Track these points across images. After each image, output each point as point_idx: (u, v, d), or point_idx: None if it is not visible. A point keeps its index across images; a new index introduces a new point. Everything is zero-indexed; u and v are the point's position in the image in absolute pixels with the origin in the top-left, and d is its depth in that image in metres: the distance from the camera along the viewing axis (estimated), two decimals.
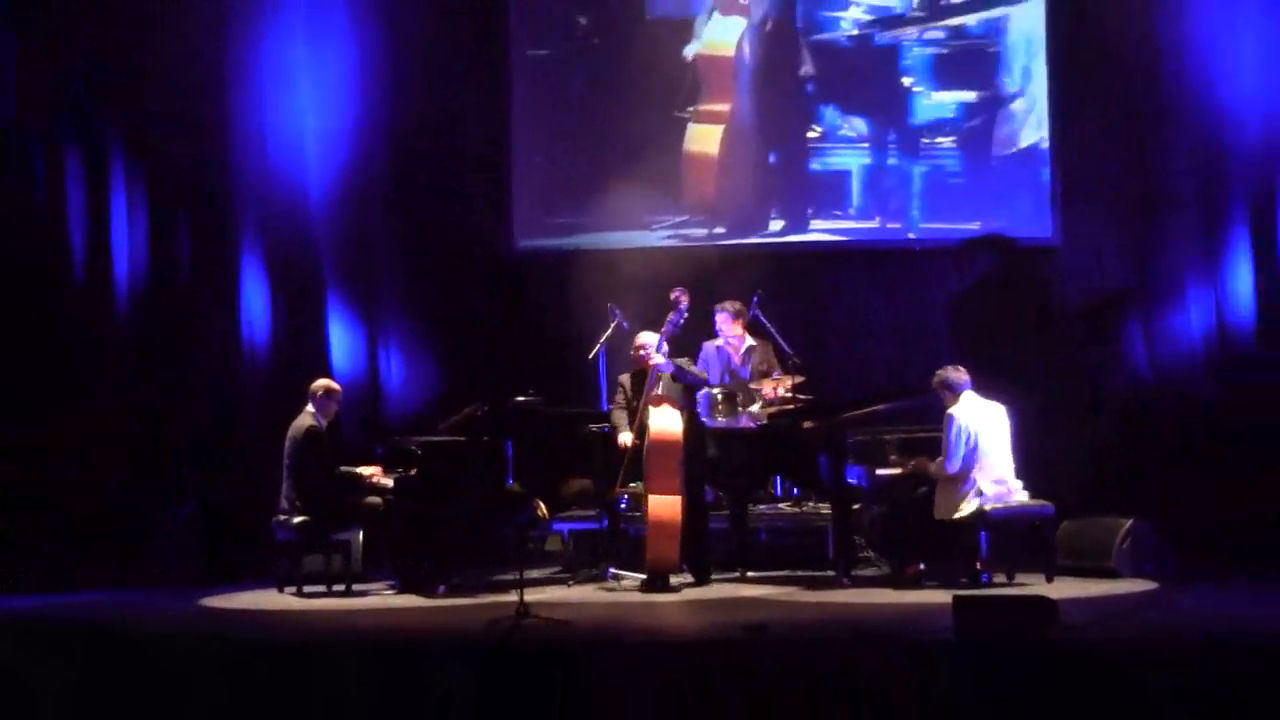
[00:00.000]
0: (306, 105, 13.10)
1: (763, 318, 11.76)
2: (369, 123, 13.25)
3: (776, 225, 13.25)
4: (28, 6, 12.18)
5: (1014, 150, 12.97)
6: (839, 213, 13.20)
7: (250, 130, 12.82)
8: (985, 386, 10.14)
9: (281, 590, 10.56)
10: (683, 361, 10.71)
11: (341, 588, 10.53)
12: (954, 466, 9.94)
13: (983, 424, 9.98)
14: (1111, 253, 12.71)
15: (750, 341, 11.75)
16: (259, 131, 12.86)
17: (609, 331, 11.71)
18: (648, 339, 10.65)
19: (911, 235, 13.09)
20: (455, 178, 13.29)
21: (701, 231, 13.31)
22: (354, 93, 13.23)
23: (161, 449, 12.26)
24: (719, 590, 10.30)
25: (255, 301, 12.76)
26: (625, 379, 10.90)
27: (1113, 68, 12.67)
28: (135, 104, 12.44)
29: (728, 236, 13.26)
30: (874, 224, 13.16)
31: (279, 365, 12.70)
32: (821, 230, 13.19)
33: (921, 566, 10.17)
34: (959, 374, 10.11)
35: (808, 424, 10.60)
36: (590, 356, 11.77)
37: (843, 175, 13.20)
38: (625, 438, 10.50)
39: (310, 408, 10.67)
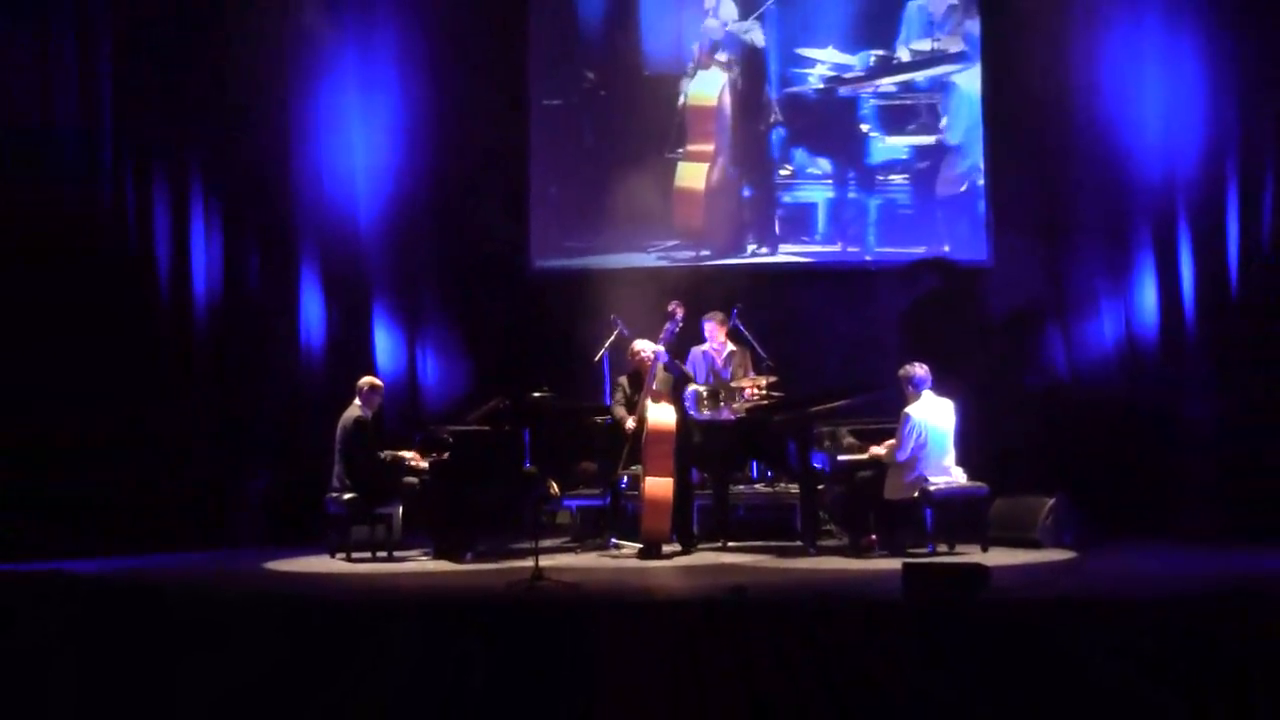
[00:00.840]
0: (357, 145, 13.07)
1: (741, 327, 11.72)
2: (410, 160, 13.22)
3: (753, 248, 13.22)
4: (123, 56, 12.13)
5: (958, 191, 12.94)
6: (806, 238, 13.16)
7: (309, 166, 12.79)
8: (934, 385, 10.10)
9: (333, 556, 10.58)
10: (677, 363, 10.72)
11: (384, 554, 10.54)
12: (904, 455, 9.92)
13: (934, 419, 9.96)
14: (1036, 273, 12.66)
15: (731, 347, 11.69)
16: (316, 167, 12.84)
17: (611, 338, 11.68)
18: (643, 346, 10.67)
19: (868, 258, 13.05)
20: (482, 207, 13.24)
21: (689, 253, 13.26)
22: (398, 135, 13.19)
23: (236, 437, 12.23)
24: (704, 558, 10.31)
25: (312, 311, 12.73)
26: (624, 380, 10.91)
27: (1035, 115, 12.59)
28: (213, 142, 12.41)
29: (711, 258, 13.23)
30: (836, 248, 13.11)
31: (332, 365, 12.66)
32: (791, 253, 13.16)
33: (874, 538, 10.15)
34: (922, 371, 10.07)
35: (779, 417, 10.59)
36: (595, 359, 11.75)
37: (810, 207, 13.17)
38: (630, 423, 10.56)
39: (358, 401, 10.66)
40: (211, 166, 12.41)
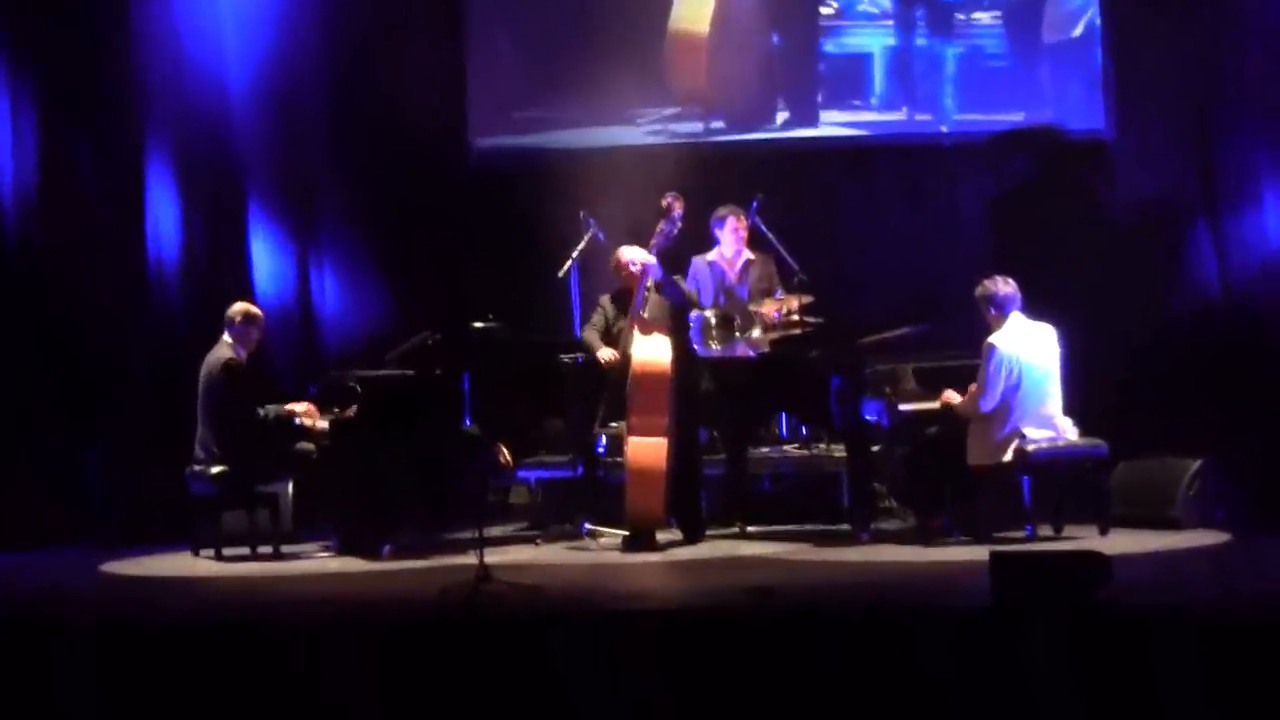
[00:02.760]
0: None
1: (764, 227, 11.69)
2: (297, 4, 13.16)
3: (782, 118, 13.20)
4: None
5: (1070, 35, 12.93)
6: (858, 103, 13.21)
7: (157, 15, 12.68)
8: (1027, 306, 10.08)
9: (197, 553, 10.57)
10: (676, 279, 10.67)
11: (268, 550, 10.51)
12: (990, 403, 9.89)
13: (1029, 353, 9.90)
14: (1174, 151, 12.68)
15: (749, 255, 11.68)
16: (167, 16, 12.72)
17: (582, 244, 11.67)
18: (633, 254, 10.60)
19: (944, 129, 13.06)
20: (400, 65, 13.17)
21: (695, 126, 13.30)
22: None
23: (61, 391, 12.18)
24: (714, 549, 10.31)
25: (163, 214, 12.67)
26: (606, 299, 10.89)
27: None
28: None
29: (726, 132, 13.25)
30: (900, 116, 13.15)
31: (191, 287, 12.64)
32: (836, 124, 13.14)
33: (949, 518, 10.15)
34: (1007, 288, 10.01)
35: (817, 351, 10.56)
36: (560, 274, 11.72)
37: (863, 59, 13.19)
38: (606, 353, 10.56)
39: (228, 337, 10.63)
40: (14, 20, 12.24)
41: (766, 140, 13.15)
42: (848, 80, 13.22)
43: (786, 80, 13.27)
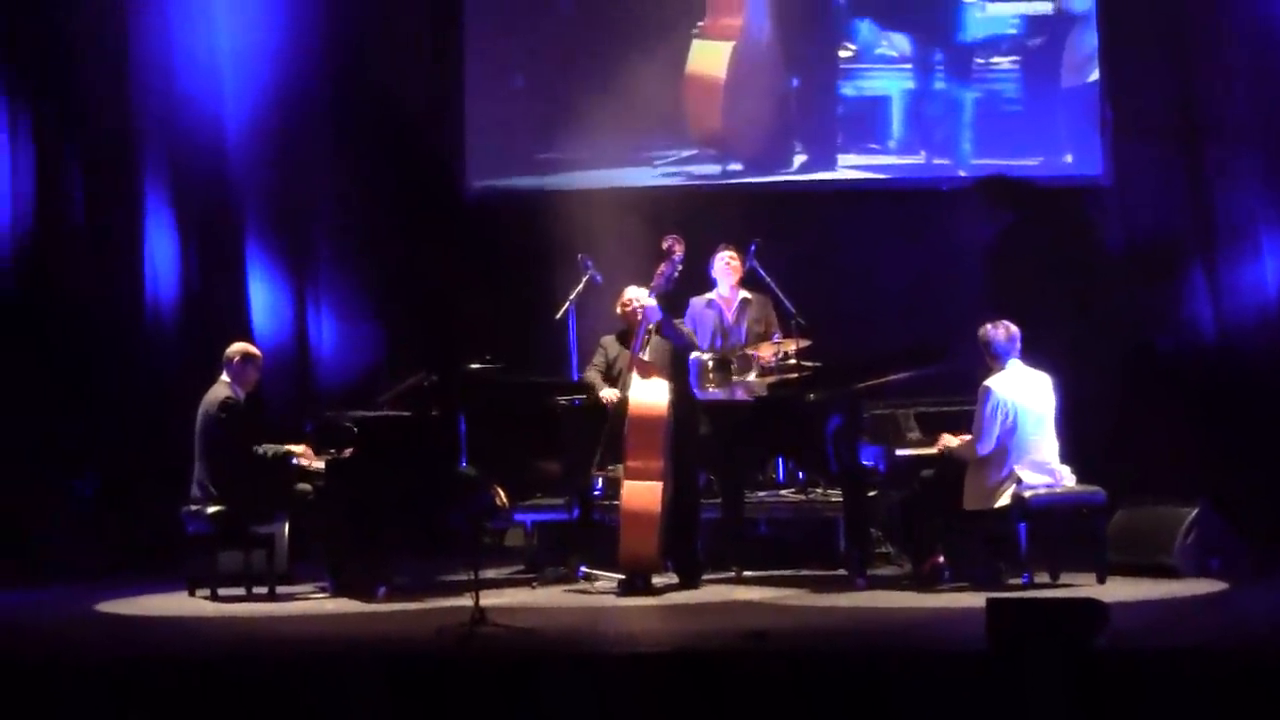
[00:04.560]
0: (221, 21, 13.04)
1: (760, 270, 11.70)
2: (296, 40, 13.21)
3: (800, 161, 13.26)
4: None
5: (1086, 80, 12.98)
6: (876, 146, 13.24)
7: (154, 51, 12.74)
8: (1026, 350, 10.07)
9: (193, 593, 10.53)
10: (675, 322, 10.65)
11: (263, 590, 10.48)
12: (986, 448, 9.88)
13: (1025, 398, 9.90)
14: (1171, 193, 12.73)
15: (745, 295, 11.69)
16: (164, 53, 12.78)
17: (580, 287, 11.67)
18: (636, 294, 10.57)
19: (963, 174, 13.10)
20: (400, 103, 13.22)
21: (713, 169, 13.34)
22: (278, 4, 13.14)
23: (54, 426, 12.18)
24: (710, 593, 10.29)
25: (161, 251, 12.73)
26: (610, 339, 10.82)
27: None
28: (16, 26, 12.32)
29: (744, 174, 13.29)
30: (917, 159, 13.19)
31: (189, 326, 12.69)
32: (854, 167, 13.21)
33: (945, 563, 10.13)
34: (1007, 334, 10.00)
35: (814, 395, 10.55)
36: (558, 316, 11.72)
37: (880, 102, 13.25)
38: (608, 393, 10.50)
39: (225, 376, 10.62)
40: (15, 55, 12.32)
41: (783, 184, 13.18)
42: (866, 123, 13.25)
43: (804, 123, 13.30)
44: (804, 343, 11.07)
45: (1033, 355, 10.13)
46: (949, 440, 10.15)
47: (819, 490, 11.46)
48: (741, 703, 6.99)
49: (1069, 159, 13.01)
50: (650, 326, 10.42)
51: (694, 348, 10.91)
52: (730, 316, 11.63)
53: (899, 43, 13.20)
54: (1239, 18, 12.42)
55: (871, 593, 10.06)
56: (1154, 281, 12.63)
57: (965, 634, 7.86)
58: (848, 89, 13.26)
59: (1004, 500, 9.86)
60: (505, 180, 13.45)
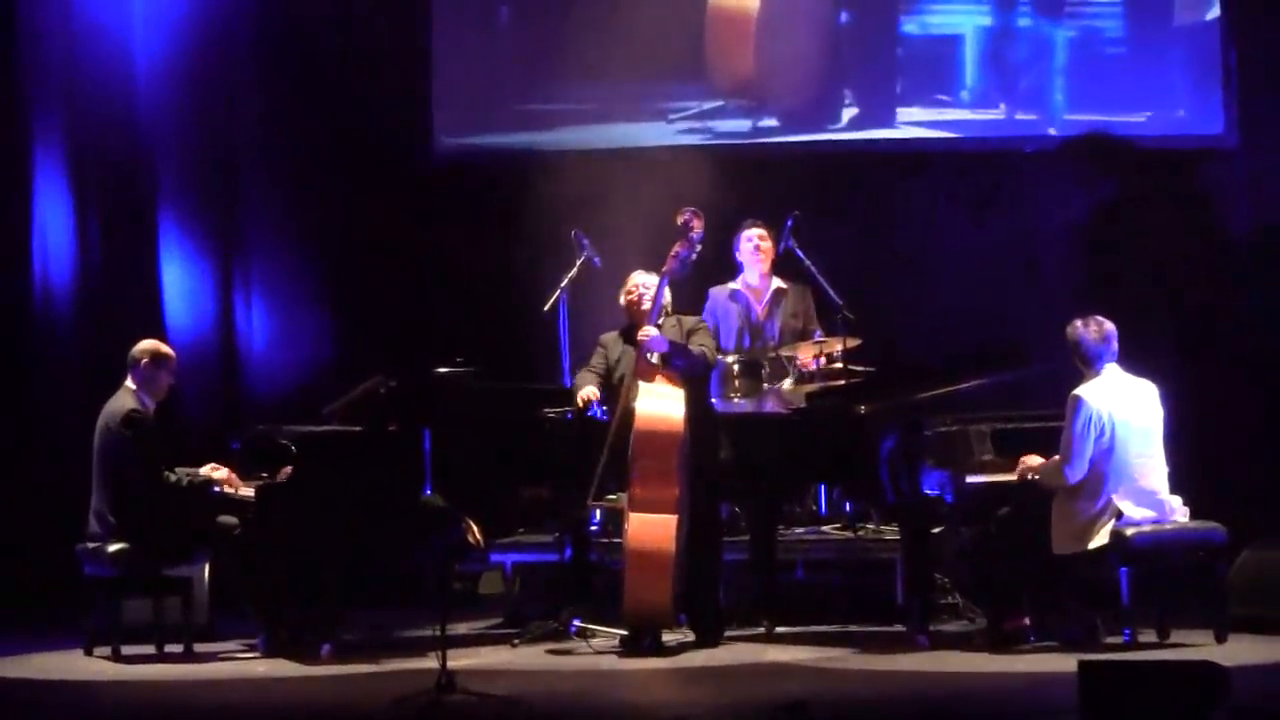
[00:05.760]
0: None
1: (799, 250, 11.71)
2: None
3: (850, 115, 13.34)
4: None
5: (1204, 18, 13.02)
6: (944, 97, 13.31)
7: None
8: (1125, 354, 10.10)
9: (90, 651, 10.55)
10: (691, 323, 10.61)
11: (178, 648, 10.52)
12: (1078, 472, 9.89)
13: (1125, 411, 9.93)
14: None
15: (779, 284, 11.71)
16: None
17: (573, 271, 11.70)
18: (642, 280, 10.60)
19: (1052, 132, 13.15)
20: (352, 38, 13.28)
21: (742, 124, 13.42)
22: None
23: None
24: (734, 653, 10.33)
25: (53, 220, 12.75)
26: (611, 338, 10.82)
27: None
28: None
29: (780, 131, 13.35)
30: (996, 114, 13.25)
31: (86, 316, 12.77)
32: (916, 123, 13.26)
33: (1027, 621, 10.16)
34: (1102, 332, 10.02)
35: (864, 407, 10.58)
36: (547, 308, 11.75)
37: (951, 42, 13.32)
38: (588, 391, 10.53)
39: (130, 383, 10.64)
40: None
41: (830, 143, 13.24)
42: (932, 69, 13.34)
43: (855, 68, 13.38)
44: (852, 342, 11.12)
45: (1135, 359, 10.16)
46: (1031, 461, 10.16)
47: (870, 526, 11.54)
48: None
49: (1182, 114, 13.08)
50: (653, 356, 10.37)
51: (712, 366, 10.81)
52: (760, 310, 11.67)
53: None
54: None
55: (935, 654, 10.11)
56: None
57: (1052, 705, 7.92)
58: (910, 25, 13.35)
59: (1100, 539, 9.87)
60: (482, 137, 13.55)
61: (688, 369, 10.42)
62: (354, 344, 12.85)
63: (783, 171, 12.85)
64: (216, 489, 10.57)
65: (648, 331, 10.32)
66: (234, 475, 10.64)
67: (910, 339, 12.17)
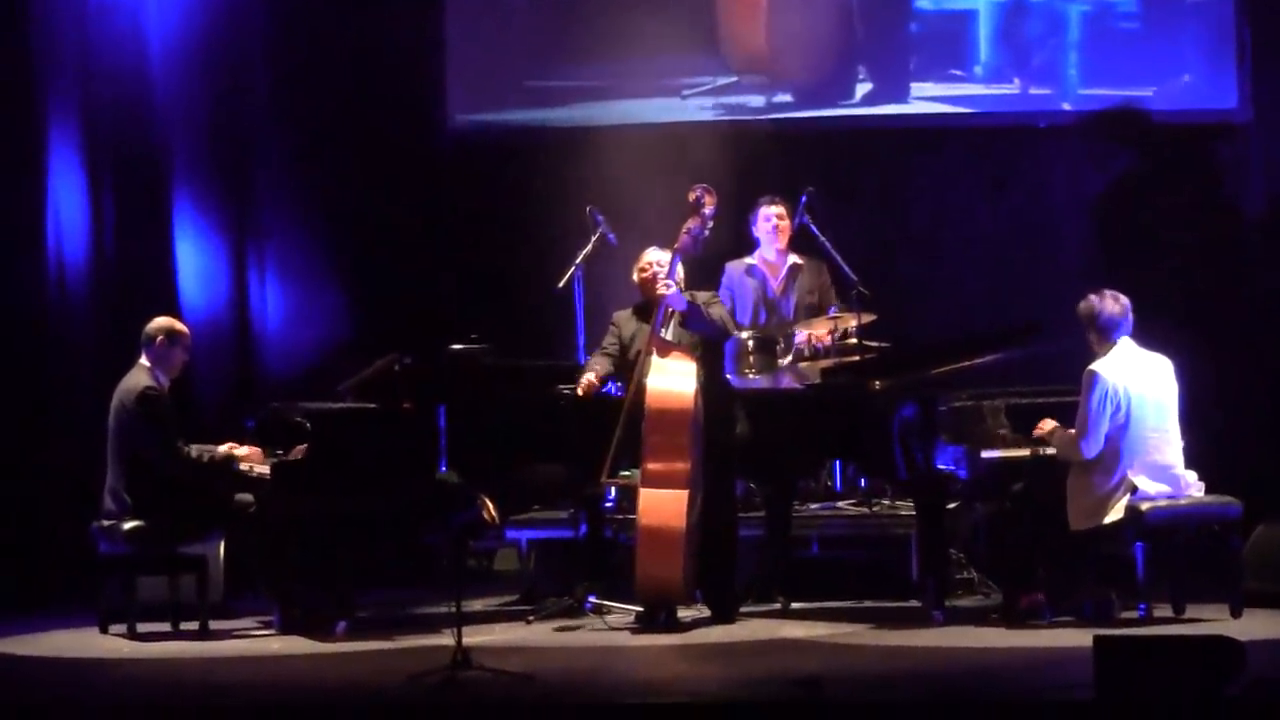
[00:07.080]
0: None
1: (814, 226, 11.69)
2: None
3: (863, 91, 13.33)
4: None
5: None
6: (958, 72, 13.30)
7: None
8: (1140, 329, 10.08)
9: (106, 629, 10.57)
10: (705, 297, 10.60)
11: (193, 626, 10.51)
12: (1093, 446, 9.88)
13: (1140, 386, 9.90)
14: None
15: (794, 259, 11.69)
16: None
17: (588, 248, 11.68)
18: (656, 257, 10.58)
19: (1066, 107, 13.13)
20: (364, 21, 13.27)
21: (755, 100, 13.40)
22: None
23: None
24: (749, 629, 10.33)
25: (68, 204, 12.71)
26: (624, 316, 10.79)
27: None
28: None
29: (794, 107, 13.35)
30: (1011, 89, 13.24)
31: (102, 298, 12.70)
32: (931, 98, 13.28)
33: (1042, 597, 10.14)
34: (1116, 306, 10.00)
35: (880, 383, 10.57)
36: (561, 285, 11.74)
37: (965, 17, 13.31)
38: (587, 379, 10.55)
39: (145, 360, 10.64)
40: None
41: (843, 119, 13.25)
42: (947, 44, 13.33)
43: (869, 43, 13.35)
44: (867, 318, 11.10)
45: (1150, 334, 10.14)
46: (1047, 425, 10.11)
47: (885, 502, 11.52)
48: None
49: (1196, 88, 13.04)
50: (666, 307, 10.36)
51: (730, 334, 10.83)
52: (776, 286, 11.65)
53: None
54: None
55: (951, 629, 10.11)
56: None
57: (1068, 680, 7.86)
58: (923, 1, 13.32)
59: (1115, 514, 9.86)
60: (495, 114, 13.51)
61: (705, 331, 10.42)
62: (368, 322, 12.84)
63: (796, 147, 12.84)
64: (235, 466, 10.56)
65: (669, 285, 10.30)
66: (250, 452, 10.59)
67: (924, 315, 12.15)
